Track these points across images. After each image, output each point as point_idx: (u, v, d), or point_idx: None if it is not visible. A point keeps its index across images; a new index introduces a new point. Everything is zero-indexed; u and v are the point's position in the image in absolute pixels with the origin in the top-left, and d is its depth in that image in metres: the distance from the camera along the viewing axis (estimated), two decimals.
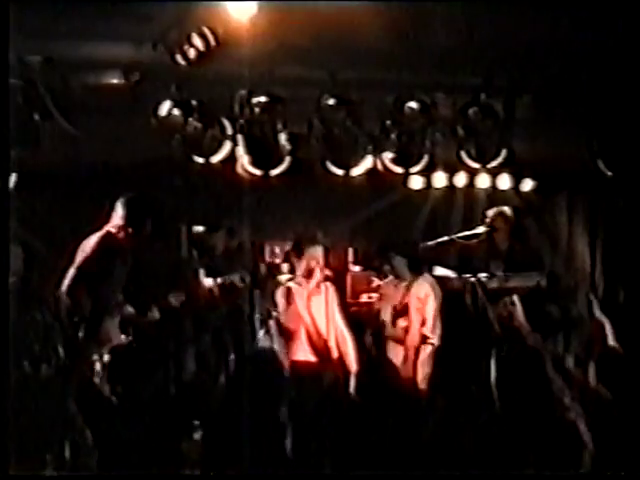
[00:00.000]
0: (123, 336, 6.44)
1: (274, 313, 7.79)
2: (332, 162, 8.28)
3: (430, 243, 8.66)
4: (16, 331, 6.09)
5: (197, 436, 7.43)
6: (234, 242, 8.28)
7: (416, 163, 8.31)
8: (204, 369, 7.81)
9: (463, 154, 8.26)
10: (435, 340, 7.91)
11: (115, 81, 7.32)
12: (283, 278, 8.25)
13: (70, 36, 6.70)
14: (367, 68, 7.35)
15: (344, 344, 7.76)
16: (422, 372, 7.91)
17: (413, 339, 7.94)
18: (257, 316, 7.85)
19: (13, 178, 7.16)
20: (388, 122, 8.06)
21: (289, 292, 7.84)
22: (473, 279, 8.27)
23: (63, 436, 6.50)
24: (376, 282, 8.92)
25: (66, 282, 6.29)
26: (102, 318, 6.39)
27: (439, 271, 8.56)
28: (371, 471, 7.15)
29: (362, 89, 7.79)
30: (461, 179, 9.48)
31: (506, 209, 8.75)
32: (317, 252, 7.88)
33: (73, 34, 6.66)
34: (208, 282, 8.00)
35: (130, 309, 6.53)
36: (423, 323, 7.95)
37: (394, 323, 8.10)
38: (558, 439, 7.19)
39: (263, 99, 7.73)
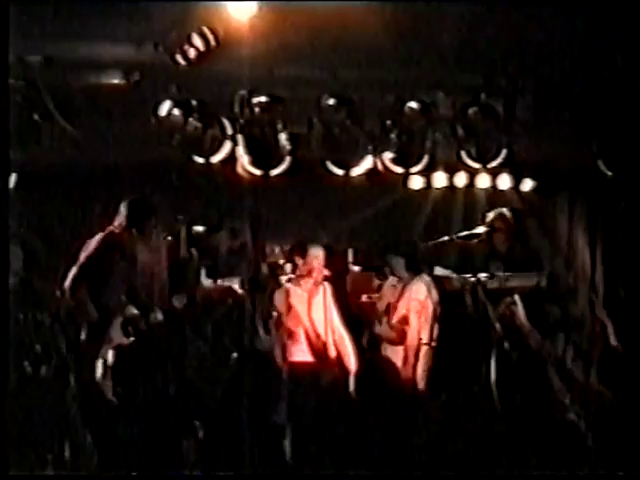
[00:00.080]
0: (125, 337, 6.45)
1: (274, 313, 7.79)
2: (332, 162, 8.28)
3: (430, 243, 8.67)
4: (16, 331, 6.10)
5: (197, 436, 7.43)
6: (236, 243, 8.28)
7: (416, 163, 8.30)
8: (204, 369, 7.80)
9: (463, 154, 8.25)
10: (433, 341, 7.91)
11: (115, 81, 7.32)
12: (283, 278, 8.25)
13: (70, 36, 6.71)
14: (367, 68, 7.35)
15: (343, 345, 7.76)
16: (422, 372, 7.91)
17: (412, 340, 7.94)
18: (257, 317, 7.85)
19: (13, 178, 7.17)
20: (388, 122, 8.05)
21: (289, 293, 7.84)
22: (473, 279, 8.27)
23: (63, 436, 6.50)
24: (376, 282, 8.92)
25: (68, 280, 6.30)
26: (104, 318, 6.40)
27: (439, 271, 8.57)
28: (371, 471, 7.15)
29: (362, 89, 7.79)
30: (461, 179, 9.44)
31: (506, 211, 8.75)
32: (317, 252, 7.88)
33: (73, 34, 6.67)
34: (208, 283, 8.00)
35: (133, 310, 6.54)
36: (421, 324, 7.95)
37: (390, 324, 8.10)
38: (558, 439, 7.19)
39: (263, 99, 7.72)
